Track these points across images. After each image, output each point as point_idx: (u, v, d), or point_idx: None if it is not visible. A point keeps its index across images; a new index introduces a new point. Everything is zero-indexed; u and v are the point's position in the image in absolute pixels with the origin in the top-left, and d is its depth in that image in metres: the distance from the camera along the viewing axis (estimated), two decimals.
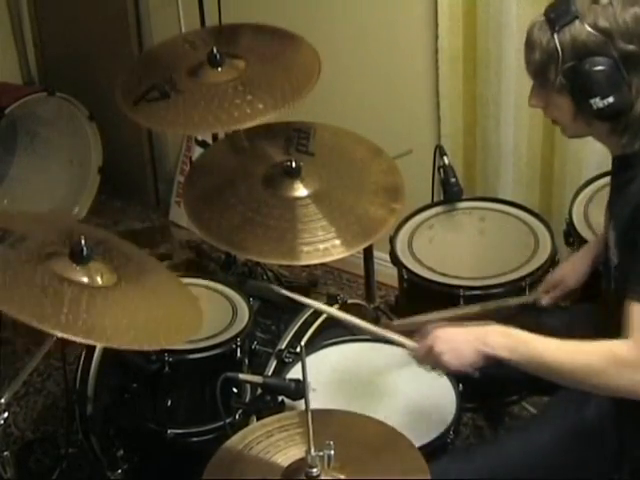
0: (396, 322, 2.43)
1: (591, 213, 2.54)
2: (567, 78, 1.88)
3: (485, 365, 1.92)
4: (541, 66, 1.91)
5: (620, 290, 1.89)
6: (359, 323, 2.21)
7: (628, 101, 1.86)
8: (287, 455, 1.77)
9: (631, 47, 1.83)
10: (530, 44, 1.92)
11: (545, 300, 2.35)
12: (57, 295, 1.93)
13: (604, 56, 1.84)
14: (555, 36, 1.86)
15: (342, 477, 1.69)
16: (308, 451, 1.67)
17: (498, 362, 1.90)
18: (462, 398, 2.13)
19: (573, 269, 2.33)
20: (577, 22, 1.85)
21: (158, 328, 2.02)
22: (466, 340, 1.92)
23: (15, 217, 2.18)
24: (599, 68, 1.84)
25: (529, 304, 2.39)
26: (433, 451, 1.97)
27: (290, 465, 1.74)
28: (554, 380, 1.89)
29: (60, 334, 1.87)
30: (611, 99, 1.86)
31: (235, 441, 1.83)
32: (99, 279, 2.04)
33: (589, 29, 1.84)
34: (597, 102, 1.87)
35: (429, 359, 1.96)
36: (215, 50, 2.49)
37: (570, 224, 2.55)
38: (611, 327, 2.05)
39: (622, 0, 1.84)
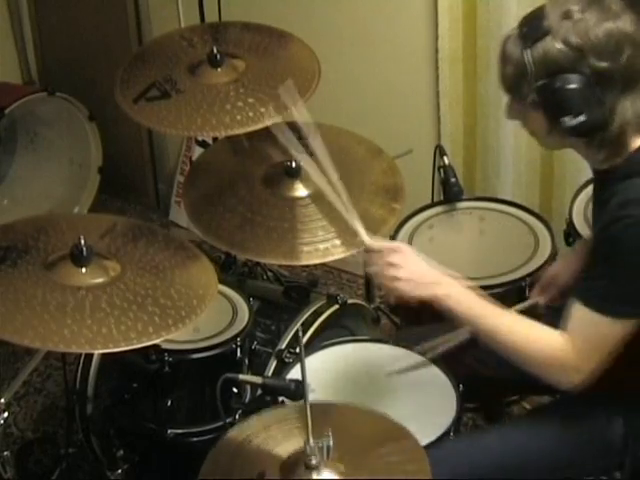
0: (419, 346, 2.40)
1: (591, 213, 2.54)
2: (539, 95, 1.85)
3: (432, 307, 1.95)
4: (514, 81, 1.89)
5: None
6: None
7: (601, 119, 1.83)
8: (286, 448, 1.77)
9: (604, 64, 1.80)
10: (503, 58, 1.90)
11: (542, 300, 2.35)
12: (59, 308, 1.95)
13: (576, 73, 1.80)
14: (527, 52, 1.83)
15: (341, 467, 1.70)
16: (307, 441, 1.68)
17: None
18: (462, 398, 2.12)
19: (566, 266, 2.33)
20: (549, 38, 1.81)
21: (170, 308, 2.02)
22: (428, 279, 1.96)
23: (17, 228, 2.19)
24: (571, 86, 1.81)
25: (532, 308, 2.38)
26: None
27: (289, 456, 1.75)
28: (492, 347, 1.93)
29: (64, 350, 1.89)
30: (583, 117, 1.83)
31: (234, 434, 1.84)
32: (102, 277, 2.05)
33: (560, 45, 1.80)
34: (569, 120, 1.84)
35: (382, 272, 1.96)
36: (215, 50, 2.49)
37: (570, 224, 2.55)
38: None
39: (596, 14, 1.81)
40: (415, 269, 1.97)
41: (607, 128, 1.85)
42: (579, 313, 1.87)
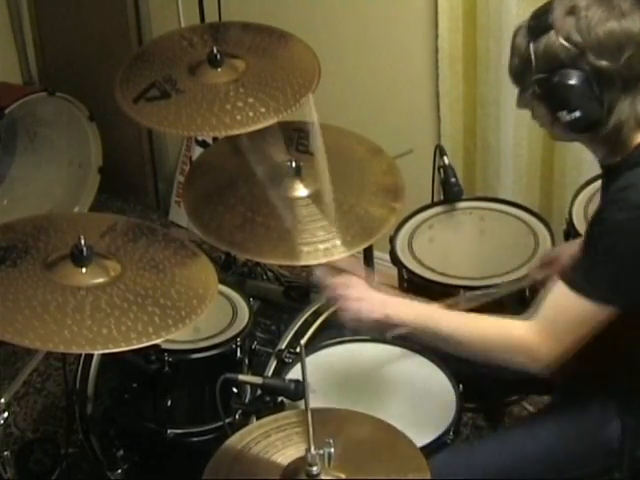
0: None
1: (591, 213, 2.54)
2: (540, 88, 1.87)
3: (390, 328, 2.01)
4: (519, 73, 1.92)
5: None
6: None
7: (597, 117, 1.84)
8: (286, 455, 1.77)
9: (603, 63, 1.81)
10: (512, 49, 1.93)
11: (538, 275, 2.35)
12: (60, 308, 1.95)
13: (576, 69, 1.82)
14: (531, 45, 1.86)
15: (342, 476, 1.69)
16: (308, 449, 1.67)
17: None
18: (462, 398, 2.12)
19: (570, 248, 2.33)
20: (552, 33, 1.83)
21: (170, 308, 2.02)
22: (372, 302, 1.99)
23: (17, 228, 2.19)
24: (569, 82, 1.82)
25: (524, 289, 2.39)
26: (433, 451, 1.97)
27: (289, 464, 1.74)
28: (451, 351, 1.96)
29: (64, 350, 1.89)
30: (578, 114, 1.84)
31: (233, 442, 1.83)
32: (102, 277, 2.05)
33: (562, 41, 1.82)
34: (564, 115, 1.86)
35: (334, 295, 2.03)
36: (215, 50, 2.49)
37: (570, 224, 2.55)
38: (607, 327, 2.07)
39: (601, 12, 1.81)
40: (365, 292, 2.02)
41: (603, 126, 1.86)
42: (557, 291, 1.87)
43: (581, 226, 2.53)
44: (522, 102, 1.97)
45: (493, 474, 1.99)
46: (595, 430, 2.01)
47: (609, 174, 1.96)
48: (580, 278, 1.85)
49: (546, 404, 2.32)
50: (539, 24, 1.86)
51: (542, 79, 1.85)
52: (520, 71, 1.91)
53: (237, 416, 2.29)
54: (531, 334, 1.87)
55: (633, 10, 1.83)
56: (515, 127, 2.95)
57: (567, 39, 1.82)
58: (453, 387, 2.15)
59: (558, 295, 1.87)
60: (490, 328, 1.93)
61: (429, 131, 3.18)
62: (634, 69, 1.82)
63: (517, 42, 1.91)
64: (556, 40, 1.83)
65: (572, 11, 1.83)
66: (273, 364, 2.39)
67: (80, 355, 2.55)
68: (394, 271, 2.66)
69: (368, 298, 2.00)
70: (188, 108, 2.41)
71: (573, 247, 2.33)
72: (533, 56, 1.85)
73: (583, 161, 2.83)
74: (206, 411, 2.46)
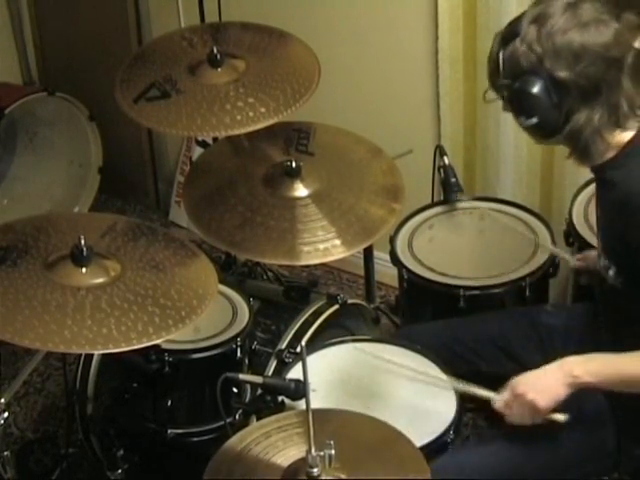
0: None
1: (591, 213, 2.54)
2: (506, 93, 1.91)
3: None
4: (491, 78, 1.95)
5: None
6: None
7: (554, 123, 1.87)
8: (286, 456, 1.77)
9: (560, 72, 1.83)
10: (489, 55, 1.96)
11: (576, 263, 2.41)
12: (60, 308, 1.95)
13: (536, 77, 1.84)
14: (500, 51, 1.90)
15: (343, 477, 1.69)
16: (309, 451, 1.67)
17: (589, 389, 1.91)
18: (462, 398, 2.12)
19: None
20: (517, 40, 1.87)
21: (170, 308, 2.02)
22: (552, 377, 1.93)
23: (17, 228, 2.19)
24: (528, 89, 1.85)
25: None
26: (433, 451, 1.97)
27: (290, 465, 1.74)
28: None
29: (65, 350, 1.89)
30: (535, 120, 1.87)
31: (234, 443, 1.83)
32: (102, 277, 2.05)
33: (524, 49, 1.85)
34: (523, 121, 1.90)
35: (519, 408, 1.94)
36: (215, 50, 2.49)
37: (570, 224, 2.56)
38: (609, 323, 2.07)
39: (564, 22, 1.83)
40: (536, 384, 1.94)
41: (559, 133, 1.88)
42: None
43: (581, 226, 2.54)
44: (503, 106, 1.99)
45: (490, 476, 1.99)
46: (591, 431, 2.02)
47: (597, 174, 1.98)
48: None
49: None
50: (509, 31, 1.90)
51: (507, 85, 1.89)
52: (492, 76, 1.94)
53: (237, 416, 2.29)
54: None
55: (599, 21, 1.83)
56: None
57: (529, 47, 1.85)
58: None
59: None
60: None
61: (429, 131, 3.18)
62: (591, 79, 1.83)
63: (492, 48, 1.94)
64: (519, 47, 1.86)
65: (537, 20, 1.86)
66: (273, 364, 2.40)
67: (80, 355, 2.55)
68: (394, 271, 2.66)
69: (545, 379, 1.93)
70: (188, 108, 2.41)
71: None
72: (501, 62, 1.89)
73: None
74: (206, 411, 2.46)
